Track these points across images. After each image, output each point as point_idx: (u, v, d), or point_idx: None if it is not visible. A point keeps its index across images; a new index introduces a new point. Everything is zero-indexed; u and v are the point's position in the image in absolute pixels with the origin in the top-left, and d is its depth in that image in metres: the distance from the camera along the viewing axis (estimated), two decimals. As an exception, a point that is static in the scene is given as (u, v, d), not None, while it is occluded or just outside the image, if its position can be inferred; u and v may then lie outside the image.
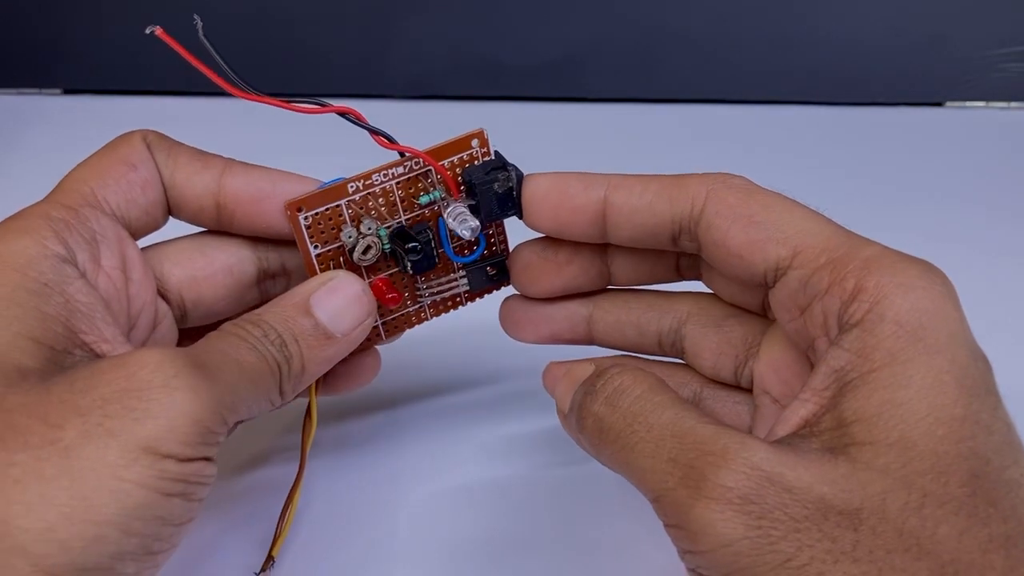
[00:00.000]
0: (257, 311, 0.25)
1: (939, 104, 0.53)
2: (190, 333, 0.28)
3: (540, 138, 0.49)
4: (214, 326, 0.26)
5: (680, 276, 0.28)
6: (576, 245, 0.27)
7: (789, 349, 0.25)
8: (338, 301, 0.25)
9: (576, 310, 0.29)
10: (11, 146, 0.48)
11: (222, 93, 0.24)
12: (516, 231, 0.28)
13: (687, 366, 0.29)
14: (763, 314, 0.27)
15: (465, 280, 0.29)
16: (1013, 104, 0.53)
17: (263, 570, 0.28)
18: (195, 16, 0.23)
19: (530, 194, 0.26)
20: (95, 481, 0.19)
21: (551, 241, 0.27)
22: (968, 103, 0.53)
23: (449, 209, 0.26)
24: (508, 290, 0.29)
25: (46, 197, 0.25)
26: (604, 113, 0.52)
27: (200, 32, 0.23)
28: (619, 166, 0.50)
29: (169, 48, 0.23)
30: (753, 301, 0.27)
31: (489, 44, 0.51)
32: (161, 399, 0.20)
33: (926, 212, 0.45)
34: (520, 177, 0.26)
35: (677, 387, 0.28)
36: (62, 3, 0.50)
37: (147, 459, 0.20)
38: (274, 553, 0.28)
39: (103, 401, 0.20)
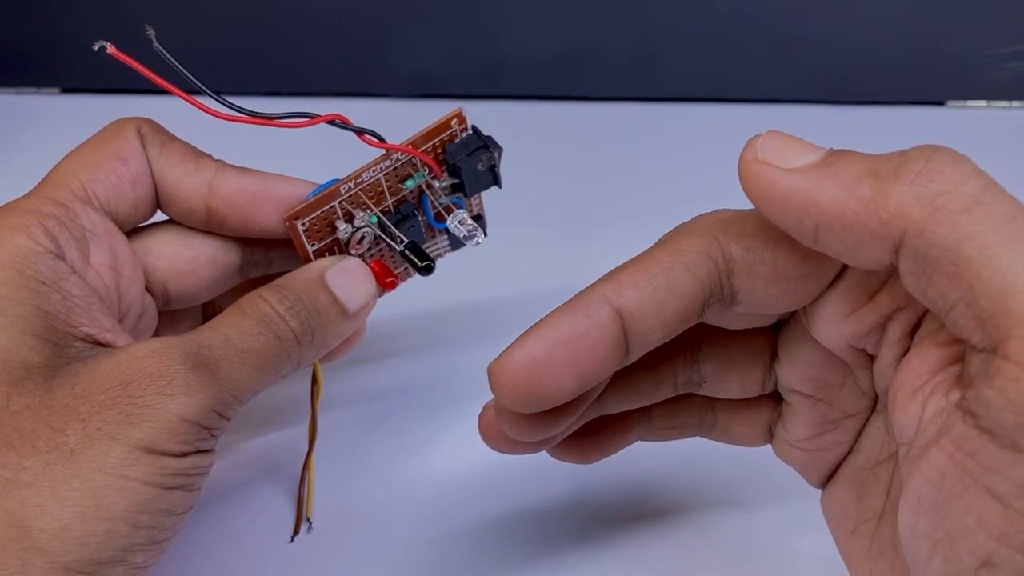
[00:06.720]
0: (279, 282, 0.25)
1: (941, 103, 0.53)
2: (169, 313, 0.28)
3: (540, 138, 0.49)
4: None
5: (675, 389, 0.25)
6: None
7: (814, 347, 0.22)
8: (350, 280, 0.26)
9: None
10: (10, 146, 0.48)
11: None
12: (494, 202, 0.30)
13: (688, 396, 0.25)
14: (773, 325, 0.24)
15: (446, 239, 0.30)
16: (1015, 103, 0.53)
17: (296, 533, 0.29)
18: (147, 26, 0.23)
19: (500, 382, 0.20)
20: (103, 481, 0.20)
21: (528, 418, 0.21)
22: (970, 102, 0.53)
23: (455, 217, 0.28)
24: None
25: (35, 189, 0.25)
26: (604, 113, 0.52)
27: (154, 41, 0.23)
28: (619, 165, 0.50)
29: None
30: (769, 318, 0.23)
31: (489, 43, 0.51)
32: (155, 405, 0.21)
33: (927, 212, 0.45)
34: (500, 152, 0.27)
35: (686, 420, 0.25)
36: (62, 3, 0.49)
37: (148, 458, 0.20)
38: (309, 515, 0.30)
39: (101, 407, 0.20)
